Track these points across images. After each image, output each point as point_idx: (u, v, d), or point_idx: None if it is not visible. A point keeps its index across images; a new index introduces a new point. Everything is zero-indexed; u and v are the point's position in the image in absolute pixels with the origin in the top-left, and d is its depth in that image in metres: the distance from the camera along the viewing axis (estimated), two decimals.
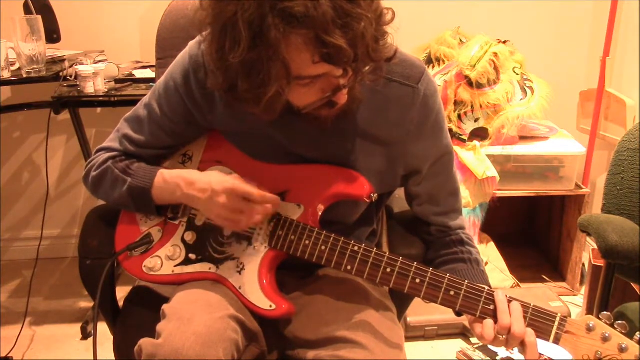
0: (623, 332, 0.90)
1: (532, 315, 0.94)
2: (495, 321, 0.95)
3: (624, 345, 0.89)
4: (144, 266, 1.13)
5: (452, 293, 0.97)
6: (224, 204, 1.01)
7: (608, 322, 0.91)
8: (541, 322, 0.94)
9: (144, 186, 1.09)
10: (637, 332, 0.89)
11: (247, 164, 1.12)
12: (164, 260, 1.12)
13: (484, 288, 0.97)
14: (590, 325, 0.91)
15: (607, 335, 0.90)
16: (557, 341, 0.92)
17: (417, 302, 1.14)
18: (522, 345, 0.94)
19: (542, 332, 0.93)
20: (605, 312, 0.92)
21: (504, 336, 0.94)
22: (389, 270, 1.00)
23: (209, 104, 1.08)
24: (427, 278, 0.98)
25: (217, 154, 1.15)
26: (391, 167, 1.10)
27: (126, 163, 1.13)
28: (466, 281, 0.97)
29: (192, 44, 1.08)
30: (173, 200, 1.09)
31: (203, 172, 1.09)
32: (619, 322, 0.91)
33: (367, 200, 1.06)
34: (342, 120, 1.02)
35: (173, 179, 1.07)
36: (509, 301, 0.95)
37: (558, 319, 0.93)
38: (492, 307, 0.96)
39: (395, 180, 1.14)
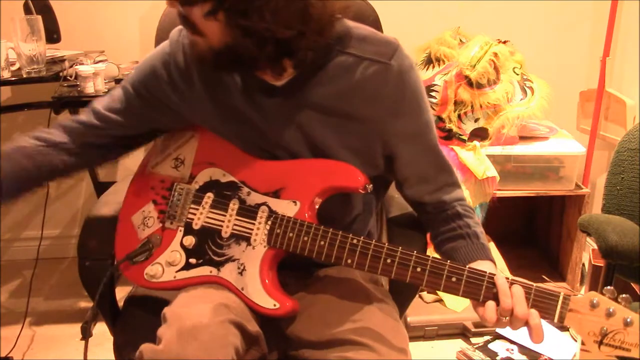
0: (627, 305, 0.90)
1: (535, 296, 0.94)
2: (498, 304, 0.95)
3: (629, 320, 0.88)
4: (146, 274, 1.12)
5: (453, 279, 0.97)
6: None
7: (612, 297, 0.91)
8: (545, 302, 0.94)
9: None
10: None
11: (240, 163, 1.11)
12: (165, 266, 1.12)
13: (485, 272, 0.97)
14: (594, 302, 0.90)
15: (611, 310, 0.89)
16: (561, 320, 0.92)
17: (417, 302, 1.14)
18: (527, 328, 0.94)
19: (547, 312, 0.93)
20: (608, 287, 0.91)
21: (507, 318, 0.95)
22: (389, 261, 0.99)
23: (188, 85, 1.11)
24: (428, 266, 0.98)
25: (208, 155, 1.14)
26: (368, 144, 1.09)
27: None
28: (467, 267, 0.97)
29: (173, 31, 1.13)
30: None
31: None
32: (623, 295, 0.90)
33: (363, 192, 1.06)
34: (310, 95, 1.04)
35: None
36: (511, 284, 0.95)
37: (561, 297, 0.93)
38: (494, 290, 0.96)
39: (375, 160, 1.12)
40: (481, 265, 1.06)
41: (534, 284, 0.95)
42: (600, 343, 0.90)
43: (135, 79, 1.16)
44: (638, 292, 1.95)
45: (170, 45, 1.12)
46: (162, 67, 1.12)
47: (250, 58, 0.99)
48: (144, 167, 1.21)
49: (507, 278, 0.96)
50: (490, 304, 0.95)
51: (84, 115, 1.19)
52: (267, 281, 1.05)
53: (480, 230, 1.13)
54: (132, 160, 1.28)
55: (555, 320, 0.93)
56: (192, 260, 1.10)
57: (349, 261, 1.01)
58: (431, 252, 1.16)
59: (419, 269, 0.98)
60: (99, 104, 1.18)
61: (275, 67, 1.02)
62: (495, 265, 1.07)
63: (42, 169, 1.14)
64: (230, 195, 1.10)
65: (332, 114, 1.06)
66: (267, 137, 1.09)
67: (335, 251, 1.02)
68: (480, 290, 0.96)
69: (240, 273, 1.07)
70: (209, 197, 1.11)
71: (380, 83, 1.04)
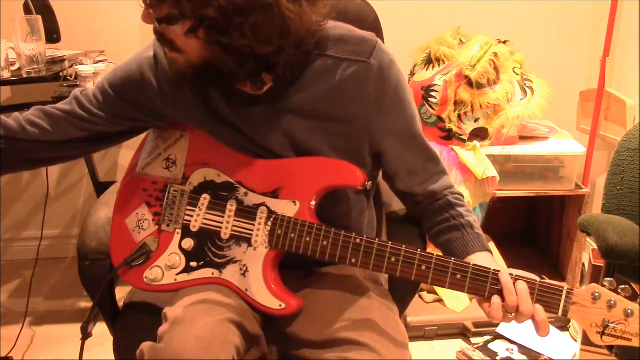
0: (627, 296, 0.93)
1: (539, 291, 0.95)
2: (503, 300, 0.96)
3: (629, 311, 0.92)
4: (145, 277, 1.12)
5: (458, 277, 0.98)
6: None
7: (612, 288, 0.93)
8: (549, 296, 0.95)
9: None
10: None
11: (234, 163, 1.10)
12: (165, 269, 1.11)
13: (489, 269, 0.97)
14: (596, 295, 0.93)
15: (612, 302, 0.92)
16: (565, 313, 0.94)
17: (417, 302, 1.14)
18: (533, 322, 0.96)
19: (551, 307, 0.95)
20: (608, 278, 0.94)
21: (512, 314, 0.96)
22: (393, 259, 1.00)
23: (179, 94, 1.09)
24: (433, 264, 0.98)
25: (201, 155, 1.14)
26: (355, 144, 1.09)
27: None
28: (471, 264, 0.98)
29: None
30: None
31: None
32: (623, 286, 0.93)
33: (361, 189, 1.06)
34: (292, 101, 1.04)
35: None
36: (515, 280, 0.96)
37: (565, 291, 0.94)
38: (499, 287, 0.96)
39: (363, 159, 1.12)
40: (479, 257, 1.07)
41: (538, 279, 0.97)
42: (603, 334, 0.93)
43: (117, 82, 1.13)
44: (638, 291, 1.95)
45: (157, 52, 1.09)
46: (152, 75, 1.10)
47: (230, 73, 0.98)
48: (133, 169, 1.19)
49: (511, 274, 0.96)
50: (496, 302, 0.96)
51: (67, 105, 1.16)
52: (272, 282, 1.05)
53: (473, 218, 1.14)
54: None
55: (560, 314, 0.94)
56: (193, 264, 1.10)
57: (354, 260, 1.01)
58: (431, 248, 1.16)
59: (423, 267, 0.99)
60: (83, 98, 1.16)
61: (254, 81, 1.02)
62: (492, 254, 1.09)
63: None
64: (227, 196, 1.10)
65: (316, 117, 1.06)
66: (256, 143, 1.09)
67: (339, 251, 1.02)
68: (485, 287, 0.97)
69: (243, 274, 1.06)
70: (205, 198, 1.11)
71: (361, 82, 1.04)
